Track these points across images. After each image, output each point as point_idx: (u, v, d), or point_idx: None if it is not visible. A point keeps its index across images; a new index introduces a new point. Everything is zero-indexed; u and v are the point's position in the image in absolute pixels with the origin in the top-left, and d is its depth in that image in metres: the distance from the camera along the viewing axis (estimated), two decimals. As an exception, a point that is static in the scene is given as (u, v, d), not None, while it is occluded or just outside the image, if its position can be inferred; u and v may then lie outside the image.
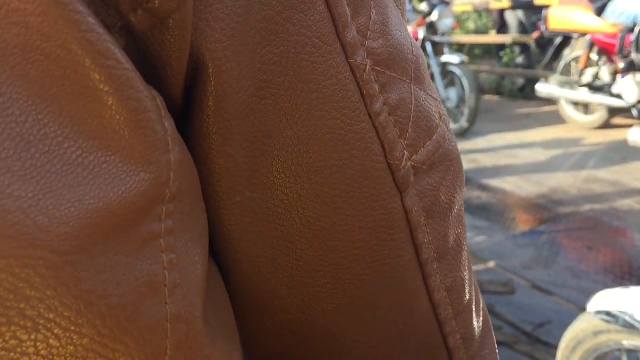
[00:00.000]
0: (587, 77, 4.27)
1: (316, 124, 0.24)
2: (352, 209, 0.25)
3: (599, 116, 4.40)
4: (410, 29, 4.47)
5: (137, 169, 0.18)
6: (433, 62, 4.72)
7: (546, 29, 4.55)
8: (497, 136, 4.68)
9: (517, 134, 4.58)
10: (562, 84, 4.40)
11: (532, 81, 5.56)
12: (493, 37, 5.63)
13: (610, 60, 4.09)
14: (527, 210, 3.38)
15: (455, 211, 0.29)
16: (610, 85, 4.07)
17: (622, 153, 3.91)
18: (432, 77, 4.76)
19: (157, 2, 0.19)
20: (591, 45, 4.19)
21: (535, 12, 5.43)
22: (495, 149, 4.43)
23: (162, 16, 0.19)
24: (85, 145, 0.17)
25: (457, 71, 4.58)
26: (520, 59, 5.62)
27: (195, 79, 0.22)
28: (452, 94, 4.71)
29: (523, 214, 3.33)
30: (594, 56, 4.24)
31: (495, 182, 3.79)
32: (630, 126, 4.37)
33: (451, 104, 4.73)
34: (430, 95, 0.28)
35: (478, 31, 7.05)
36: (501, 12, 5.61)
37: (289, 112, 0.23)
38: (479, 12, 6.62)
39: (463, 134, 4.65)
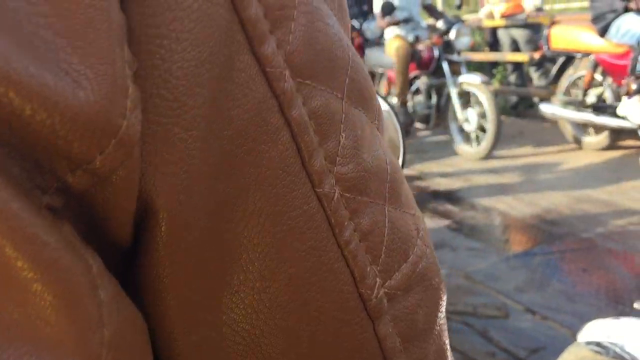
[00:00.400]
0: (591, 98, 4.19)
1: (279, 258, 0.22)
2: (320, 342, 0.23)
3: (603, 137, 4.30)
4: (423, 46, 4.38)
5: (64, 355, 0.16)
6: (450, 81, 4.60)
7: (548, 48, 4.47)
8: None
9: (510, 152, 4.58)
10: (566, 104, 4.31)
11: (525, 99, 5.58)
12: (505, 55, 5.57)
13: (617, 81, 4.03)
14: (521, 231, 3.37)
15: (437, 329, 0.27)
16: (615, 106, 3.99)
17: (616, 173, 3.92)
18: (448, 98, 4.66)
19: (97, 163, 0.17)
20: (595, 65, 4.13)
21: (536, 31, 5.45)
22: (488, 167, 4.43)
23: (104, 175, 0.17)
24: (5, 336, 0.15)
25: (476, 91, 4.43)
26: (512, 77, 5.64)
27: (143, 223, 0.20)
28: (471, 115, 4.55)
29: (516, 234, 3.32)
30: (598, 76, 4.17)
31: (488, 202, 3.78)
32: (627, 147, 4.37)
33: (470, 127, 4.58)
34: (407, 212, 0.26)
35: (471, 49, 7.08)
36: (494, 30, 5.65)
37: (249, 247, 0.21)
38: (472, 30, 6.64)
39: (485, 158, 4.50)
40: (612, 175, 3.90)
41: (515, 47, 5.60)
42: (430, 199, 4.01)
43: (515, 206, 3.65)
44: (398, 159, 0.51)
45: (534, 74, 5.65)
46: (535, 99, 5.73)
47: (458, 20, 4.84)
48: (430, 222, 3.60)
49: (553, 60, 4.66)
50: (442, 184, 4.23)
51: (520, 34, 5.50)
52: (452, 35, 4.67)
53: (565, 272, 2.86)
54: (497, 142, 4.43)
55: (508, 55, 5.51)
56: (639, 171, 3.87)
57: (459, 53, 4.74)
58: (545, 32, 4.56)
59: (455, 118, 4.68)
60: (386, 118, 0.53)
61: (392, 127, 0.52)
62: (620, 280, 2.69)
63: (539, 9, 5.38)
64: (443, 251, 3.18)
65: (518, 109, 5.63)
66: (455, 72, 4.62)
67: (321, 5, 0.23)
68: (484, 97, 4.37)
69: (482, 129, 4.52)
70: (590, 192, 3.65)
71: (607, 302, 2.49)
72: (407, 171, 4.64)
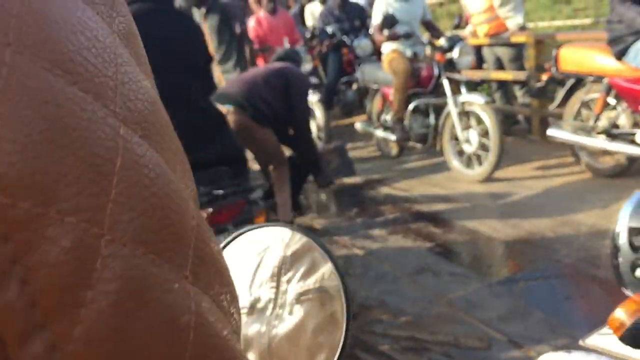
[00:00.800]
0: (604, 123, 3.95)
1: None
2: None
3: (616, 163, 4.06)
4: (422, 63, 4.25)
5: None
6: (450, 101, 4.47)
7: (556, 69, 4.20)
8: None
9: (496, 173, 4.52)
10: (577, 129, 4.06)
11: (509, 117, 5.56)
12: (506, 74, 5.47)
13: (632, 106, 3.79)
14: (504, 255, 3.32)
15: None
16: (630, 133, 3.76)
17: (600, 195, 3.88)
18: (447, 117, 4.55)
19: None
20: (609, 89, 3.88)
21: (519, 50, 5.43)
22: (472, 188, 4.39)
23: None
24: None
25: (480, 112, 4.30)
26: (497, 95, 5.63)
27: None
28: (473, 136, 4.41)
29: (500, 259, 3.28)
30: (611, 100, 3.93)
31: (471, 224, 3.73)
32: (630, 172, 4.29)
33: (470, 148, 4.45)
34: None
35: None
36: (478, 48, 5.63)
37: None
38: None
39: (486, 180, 4.37)
40: (594, 197, 3.86)
41: (500, 65, 5.59)
42: (414, 220, 3.97)
43: (499, 229, 3.61)
44: (339, 338, 0.44)
45: (518, 92, 5.64)
46: (520, 117, 5.71)
47: (459, 38, 4.72)
48: (413, 245, 3.55)
49: (562, 82, 4.32)
50: (427, 205, 4.19)
51: (504, 52, 5.48)
52: (454, 53, 4.53)
53: (547, 300, 2.82)
54: (499, 164, 4.30)
55: (508, 74, 5.45)
56: (627, 194, 3.83)
57: (459, 72, 4.62)
58: (553, 52, 4.25)
59: (453, 139, 4.56)
60: (334, 292, 0.45)
61: (339, 300, 0.45)
62: (602, 310, 2.64)
63: (522, 27, 5.37)
64: (425, 276, 3.13)
65: (503, 127, 5.61)
66: (454, 92, 4.50)
67: (152, 270, 0.17)
68: (488, 118, 4.24)
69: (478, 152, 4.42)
70: (575, 215, 3.60)
71: (589, 332, 2.44)
72: (392, 190, 4.59)
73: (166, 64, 2.31)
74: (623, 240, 0.93)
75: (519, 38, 5.25)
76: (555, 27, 7.48)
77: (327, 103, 5.85)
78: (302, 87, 3.76)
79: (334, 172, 4.40)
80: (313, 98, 5.45)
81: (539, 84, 4.78)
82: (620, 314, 0.80)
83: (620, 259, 0.92)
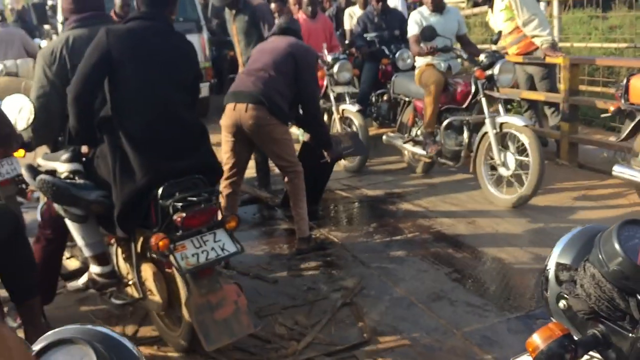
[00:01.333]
0: None
1: None
2: None
3: None
4: (459, 79, 4.09)
5: None
6: (488, 121, 4.29)
7: (626, 100, 3.85)
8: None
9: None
10: None
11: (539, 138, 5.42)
12: (540, 95, 5.30)
13: None
14: (523, 288, 3.22)
15: None
16: None
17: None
18: (485, 136, 4.35)
19: None
20: None
21: (551, 68, 5.31)
22: (495, 212, 4.28)
23: None
24: None
25: (520, 135, 4.13)
26: (527, 114, 5.49)
27: None
28: (510, 159, 4.25)
29: (519, 292, 3.17)
30: None
31: (493, 250, 3.64)
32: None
33: (507, 172, 4.28)
34: None
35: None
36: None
37: None
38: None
39: (522, 205, 4.21)
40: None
41: (531, 83, 5.46)
42: (433, 240, 3.88)
43: (520, 259, 3.51)
44: None
45: (548, 111, 5.50)
46: (549, 138, 5.57)
47: (500, 55, 4.52)
48: (431, 268, 3.47)
49: (631, 114, 3.91)
50: (448, 226, 4.09)
51: (535, 71, 5.35)
52: (495, 70, 4.34)
53: (567, 342, 2.72)
54: (537, 191, 4.13)
55: (541, 95, 5.25)
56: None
57: (497, 90, 4.43)
58: (624, 81, 3.89)
59: (487, 160, 4.41)
60: None
61: None
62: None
63: (554, 46, 5.20)
64: (441, 304, 3.05)
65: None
66: (493, 110, 4.33)
67: None
68: (528, 142, 4.06)
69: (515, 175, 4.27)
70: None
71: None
72: (413, 207, 4.50)
73: (155, 77, 2.56)
74: (551, 274, 1.02)
75: (556, 60, 5.11)
76: (589, 48, 7.29)
77: (362, 114, 5.62)
78: (309, 63, 3.81)
79: (345, 149, 4.34)
80: (353, 108, 5.31)
81: (604, 115, 4.48)
82: (536, 339, 0.90)
83: (548, 292, 1.02)
